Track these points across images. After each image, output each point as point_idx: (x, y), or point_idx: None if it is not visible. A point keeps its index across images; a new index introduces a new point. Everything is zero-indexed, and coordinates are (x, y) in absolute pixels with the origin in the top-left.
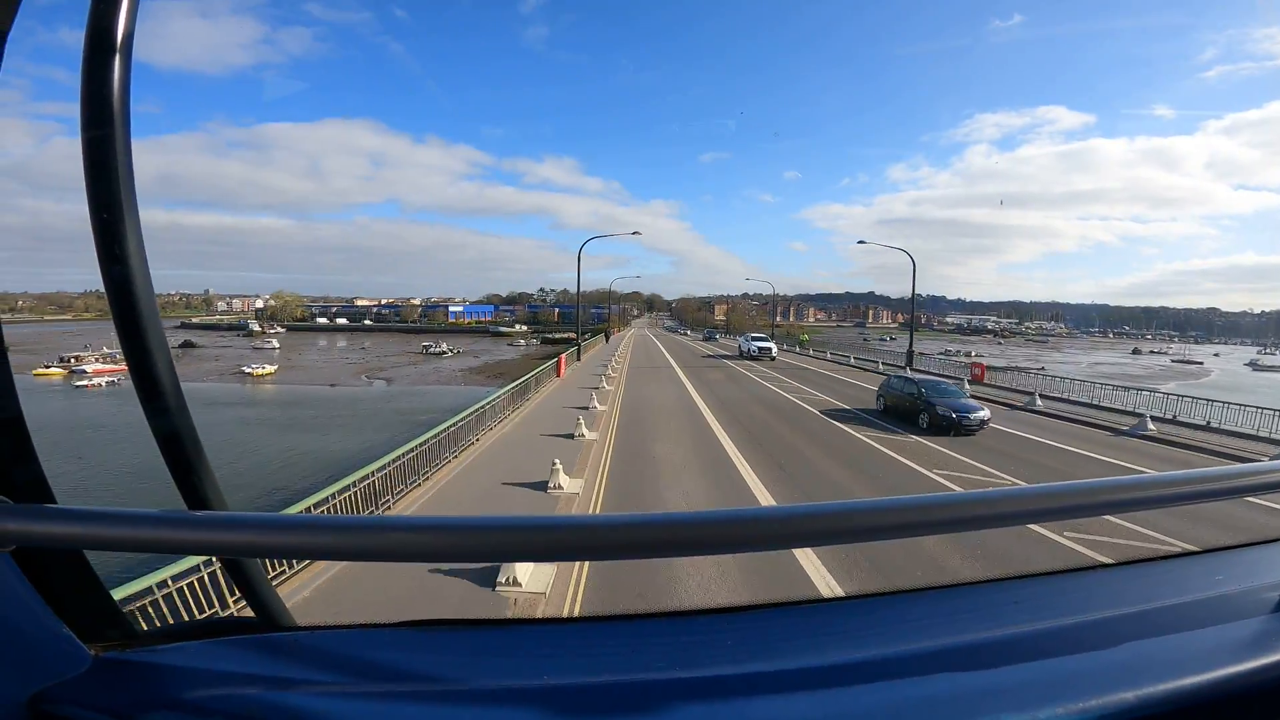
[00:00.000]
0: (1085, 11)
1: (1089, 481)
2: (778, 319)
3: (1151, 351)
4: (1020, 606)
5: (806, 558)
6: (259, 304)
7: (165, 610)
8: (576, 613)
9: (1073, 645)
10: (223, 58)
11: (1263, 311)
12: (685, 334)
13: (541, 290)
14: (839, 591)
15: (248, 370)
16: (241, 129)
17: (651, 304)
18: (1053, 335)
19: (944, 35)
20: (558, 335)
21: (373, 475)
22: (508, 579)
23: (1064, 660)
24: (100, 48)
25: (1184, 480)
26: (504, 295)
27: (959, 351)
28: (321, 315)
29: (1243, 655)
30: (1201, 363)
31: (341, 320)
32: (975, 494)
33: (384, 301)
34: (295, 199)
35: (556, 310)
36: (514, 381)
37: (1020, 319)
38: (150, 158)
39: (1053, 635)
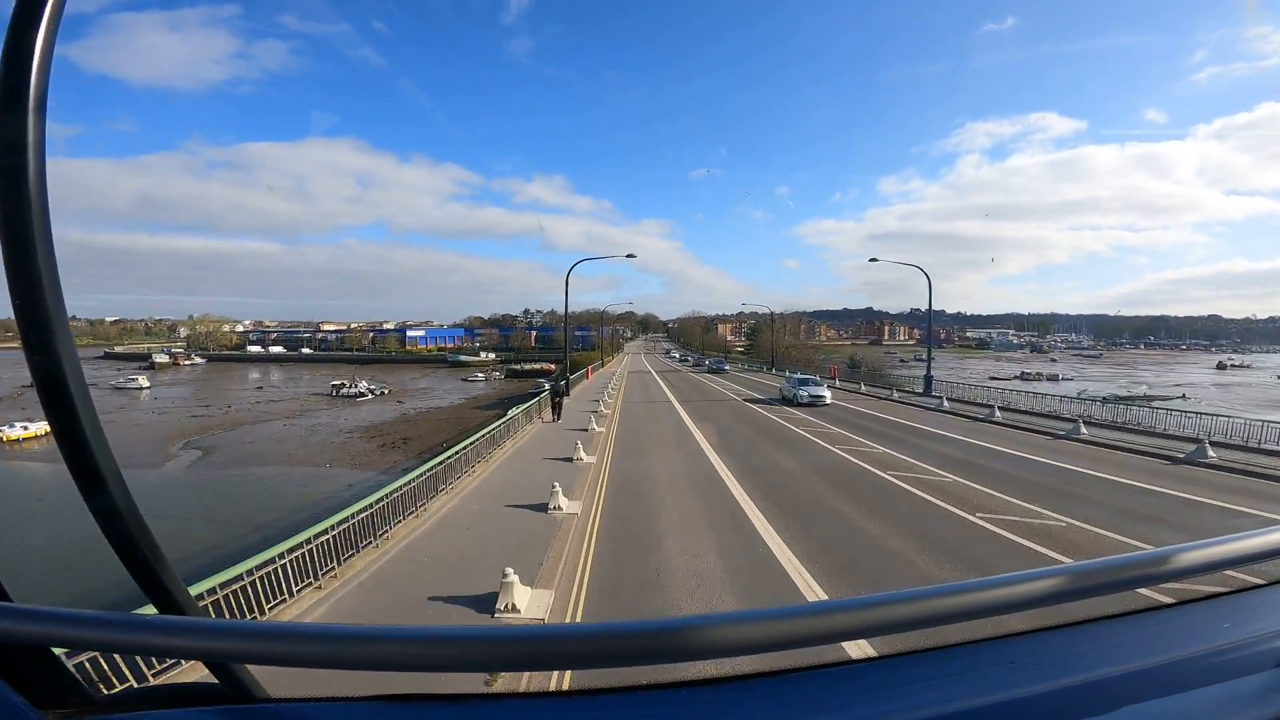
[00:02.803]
0: (1079, 12)
1: (1096, 561)
2: (786, 338)
3: (1234, 365)
4: (1015, 667)
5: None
6: (183, 330)
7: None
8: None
9: (1068, 711)
10: (196, 73)
11: (1270, 317)
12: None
13: (527, 312)
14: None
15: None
16: (222, 148)
17: (646, 325)
18: (1087, 350)
19: (936, 41)
20: (528, 366)
21: None
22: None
23: None
24: (12, 104)
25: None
26: (485, 318)
27: (1038, 374)
28: (256, 343)
29: (1248, 714)
30: None
31: (277, 349)
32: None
33: (350, 326)
34: (282, 221)
35: (533, 334)
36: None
37: (1042, 331)
38: (129, 179)
39: (1047, 700)
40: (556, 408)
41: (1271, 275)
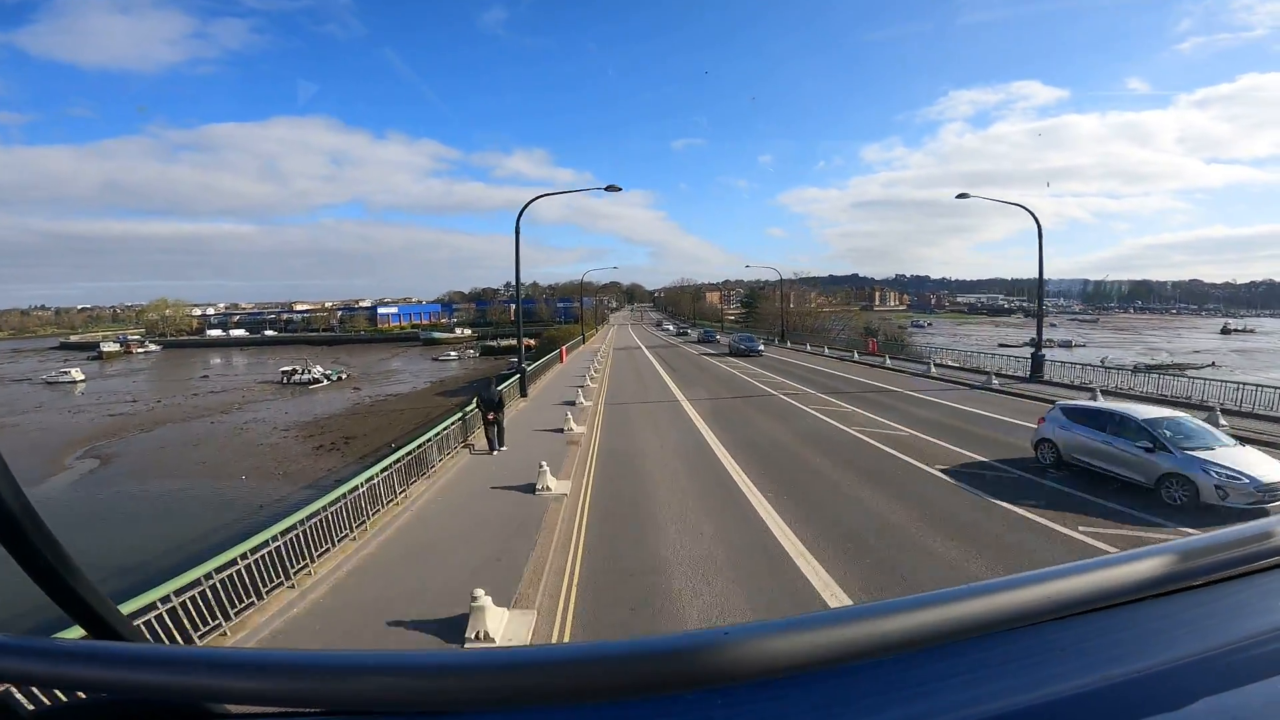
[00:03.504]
0: None
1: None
2: (779, 305)
3: (1237, 330)
4: (1064, 655)
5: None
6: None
7: None
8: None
9: (1130, 707)
10: (151, 54)
11: (1251, 281)
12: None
13: (508, 285)
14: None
15: None
16: (186, 130)
17: (632, 295)
18: (1082, 315)
19: (922, 7)
20: (505, 342)
21: None
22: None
23: None
24: None
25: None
26: (466, 292)
27: (1047, 341)
28: (217, 327)
29: None
30: None
31: (239, 333)
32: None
33: (325, 305)
34: (255, 202)
35: (512, 308)
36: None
37: (1030, 295)
38: (92, 165)
39: (1103, 696)
40: (492, 428)
41: (1250, 241)
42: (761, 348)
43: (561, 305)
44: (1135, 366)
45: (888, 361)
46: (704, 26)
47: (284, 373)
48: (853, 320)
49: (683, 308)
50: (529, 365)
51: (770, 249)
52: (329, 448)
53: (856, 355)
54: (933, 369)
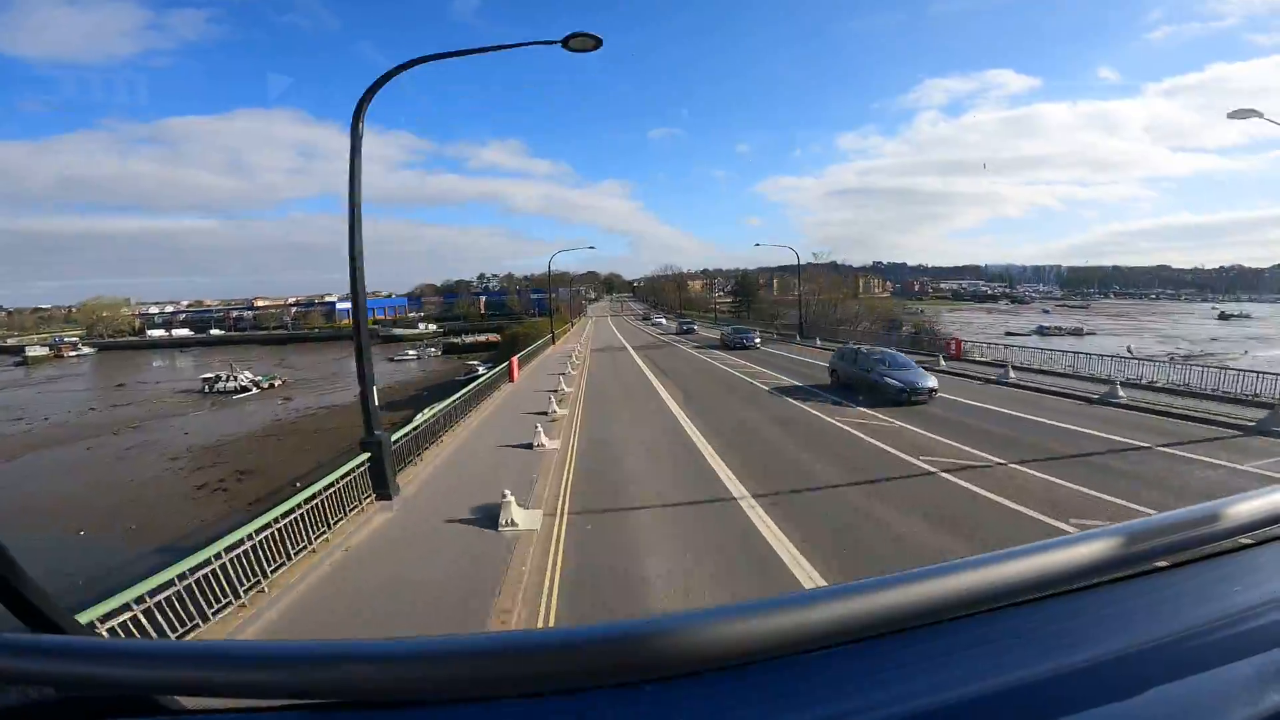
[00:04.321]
0: None
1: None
2: (770, 293)
3: (1236, 315)
4: (1021, 641)
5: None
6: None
7: None
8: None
9: (1084, 697)
10: (104, 47)
11: (1220, 266)
12: None
13: (482, 276)
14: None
15: None
16: (144, 124)
17: (610, 284)
18: (1072, 301)
19: None
20: (470, 339)
21: None
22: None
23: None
24: None
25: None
26: (438, 285)
27: (1056, 328)
28: (160, 326)
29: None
30: None
31: (183, 332)
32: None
33: (288, 300)
34: (220, 197)
35: (482, 300)
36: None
37: (1011, 282)
38: (48, 161)
39: (1057, 685)
40: None
41: (1215, 228)
42: (934, 383)
43: (535, 296)
44: (1171, 357)
45: (1010, 374)
46: (686, 18)
47: (205, 380)
48: (886, 310)
49: (666, 297)
50: (460, 390)
51: (748, 238)
52: (215, 487)
53: (943, 362)
54: (1119, 390)
